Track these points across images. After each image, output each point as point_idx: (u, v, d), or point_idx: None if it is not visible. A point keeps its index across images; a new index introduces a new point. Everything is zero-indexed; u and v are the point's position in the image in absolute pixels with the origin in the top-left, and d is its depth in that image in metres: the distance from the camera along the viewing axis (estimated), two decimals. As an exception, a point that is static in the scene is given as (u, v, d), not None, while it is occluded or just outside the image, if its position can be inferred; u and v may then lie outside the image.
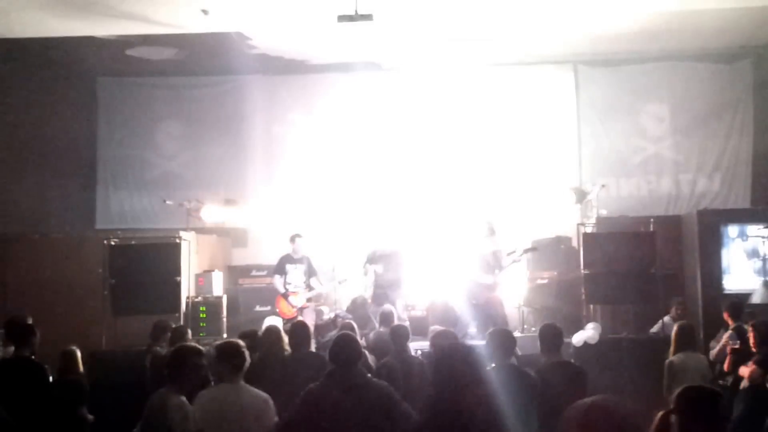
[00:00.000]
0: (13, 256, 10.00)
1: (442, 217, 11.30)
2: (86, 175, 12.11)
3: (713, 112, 11.72)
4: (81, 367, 6.50)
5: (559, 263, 9.85)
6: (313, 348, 6.52)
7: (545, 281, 9.73)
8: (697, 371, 6.43)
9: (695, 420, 2.95)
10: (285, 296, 9.27)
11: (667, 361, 6.59)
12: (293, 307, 9.20)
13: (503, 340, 5.21)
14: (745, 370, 5.99)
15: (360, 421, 4.21)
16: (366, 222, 11.25)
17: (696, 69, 11.73)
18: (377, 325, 8.20)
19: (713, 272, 9.28)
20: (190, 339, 7.37)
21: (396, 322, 7.79)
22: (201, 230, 10.60)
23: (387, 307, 8.38)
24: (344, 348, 4.40)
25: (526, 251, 9.25)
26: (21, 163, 11.12)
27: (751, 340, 6.16)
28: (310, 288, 9.33)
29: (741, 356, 6.32)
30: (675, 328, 6.85)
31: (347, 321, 7.90)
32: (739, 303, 7.66)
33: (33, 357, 5.96)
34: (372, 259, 9.29)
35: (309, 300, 9.31)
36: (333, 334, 8.58)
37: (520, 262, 9.10)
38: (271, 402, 4.53)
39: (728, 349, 6.62)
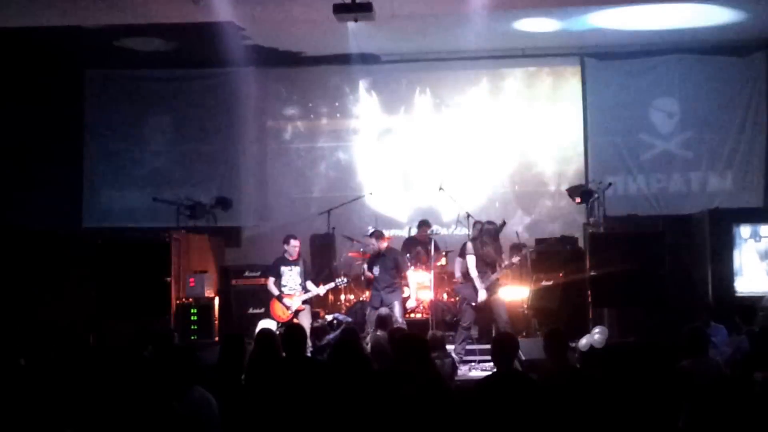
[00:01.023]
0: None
1: (441, 214, 11.17)
2: (73, 172, 11.88)
3: (725, 108, 11.44)
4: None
5: (564, 265, 9.60)
6: (309, 352, 6.34)
7: (550, 283, 9.48)
8: (709, 377, 6.15)
9: None
10: (279, 298, 8.98)
11: (677, 366, 6.32)
12: (288, 309, 8.89)
13: (506, 344, 5.05)
14: (758, 376, 5.73)
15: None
16: (364, 220, 11.16)
17: (707, 62, 11.46)
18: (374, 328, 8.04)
19: (725, 274, 9.29)
20: (177, 343, 7.19)
21: (394, 325, 7.73)
22: (192, 229, 10.43)
23: (383, 310, 8.41)
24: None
25: (525, 250, 9.01)
26: (4, 158, 10.95)
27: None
28: (306, 290, 9.01)
29: (754, 361, 6.06)
30: (686, 332, 6.59)
31: (350, 326, 7.91)
32: (751, 306, 7.59)
33: None
34: (369, 261, 9.04)
35: (305, 303, 8.99)
36: (330, 337, 8.42)
37: (516, 264, 8.82)
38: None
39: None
